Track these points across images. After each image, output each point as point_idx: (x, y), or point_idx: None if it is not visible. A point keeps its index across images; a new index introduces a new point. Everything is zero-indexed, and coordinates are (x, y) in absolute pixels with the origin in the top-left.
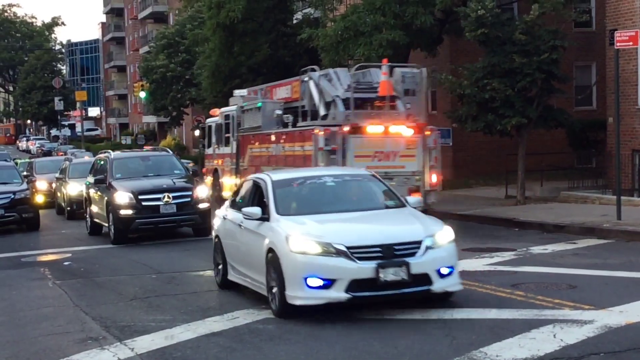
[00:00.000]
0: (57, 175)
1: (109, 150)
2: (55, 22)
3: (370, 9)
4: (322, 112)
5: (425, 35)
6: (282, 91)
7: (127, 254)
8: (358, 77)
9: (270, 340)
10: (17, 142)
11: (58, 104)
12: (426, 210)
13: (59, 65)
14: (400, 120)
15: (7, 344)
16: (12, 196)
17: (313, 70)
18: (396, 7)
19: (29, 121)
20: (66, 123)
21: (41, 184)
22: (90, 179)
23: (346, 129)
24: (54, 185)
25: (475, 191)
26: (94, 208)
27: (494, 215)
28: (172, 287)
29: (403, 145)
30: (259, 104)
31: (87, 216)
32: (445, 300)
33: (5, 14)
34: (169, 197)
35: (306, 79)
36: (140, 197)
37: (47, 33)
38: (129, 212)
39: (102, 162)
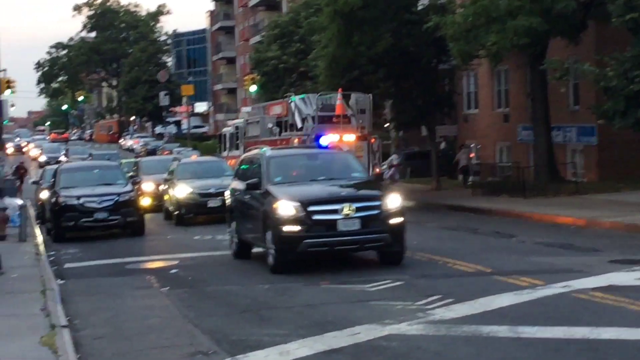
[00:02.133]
0: (165, 176)
1: (263, 147)
2: (160, 11)
3: None
4: (299, 125)
5: (566, 21)
6: (277, 109)
7: (238, 262)
8: (323, 101)
9: None
10: (121, 140)
11: (163, 99)
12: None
13: (164, 57)
14: (351, 130)
15: (112, 356)
16: (116, 198)
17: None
18: None
19: (132, 118)
20: (171, 120)
21: (147, 186)
22: (238, 184)
23: (312, 137)
24: (161, 187)
25: (625, 196)
26: (244, 222)
27: None
28: (286, 298)
29: (353, 148)
30: (293, 99)
31: (231, 234)
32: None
33: (108, 3)
34: (350, 208)
35: (290, 101)
36: (310, 208)
37: (151, 23)
38: (295, 228)
39: (251, 164)
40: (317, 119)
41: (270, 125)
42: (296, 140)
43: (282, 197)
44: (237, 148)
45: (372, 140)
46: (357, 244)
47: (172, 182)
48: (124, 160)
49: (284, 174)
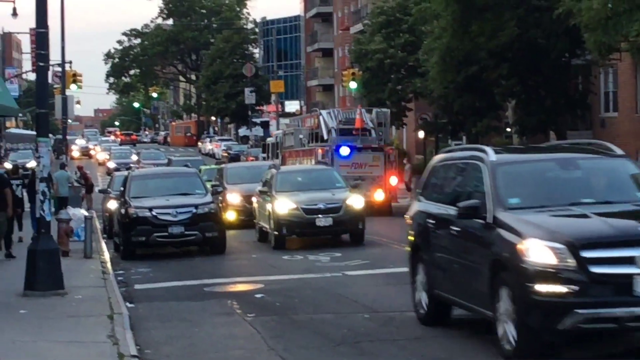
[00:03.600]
0: (257, 187)
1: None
2: None
3: None
4: (325, 136)
5: None
6: (309, 121)
7: (333, 286)
8: (346, 115)
9: None
10: (199, 143)
11: (249, 97)
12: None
13: (250, 47)
14: (369, 143)
15: None
16: (194, 210)
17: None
18: None
19: (213, 118)
20: (258, 120)
21: (233, 197)
22: (430, 207)
23: (333, 147)
24: (254, 200)
25: None
26: (445, 270)
27: None
28: (390, 330)
29: (371, 159)
30: (321, 112)
31: (418, 287)
32: None
33: None
34: None
35: (318, 114)
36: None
37: (237, 8)
38: (558, 288)
39: (457, 173)
40: (338, 131)
41: (301, 136)
42: (320, 151)
43: (530, 234)
44: (277, 157)
45: (390, 150)
46: None
47: (270, 195)
48: (203, 167)
49: (523, 193)
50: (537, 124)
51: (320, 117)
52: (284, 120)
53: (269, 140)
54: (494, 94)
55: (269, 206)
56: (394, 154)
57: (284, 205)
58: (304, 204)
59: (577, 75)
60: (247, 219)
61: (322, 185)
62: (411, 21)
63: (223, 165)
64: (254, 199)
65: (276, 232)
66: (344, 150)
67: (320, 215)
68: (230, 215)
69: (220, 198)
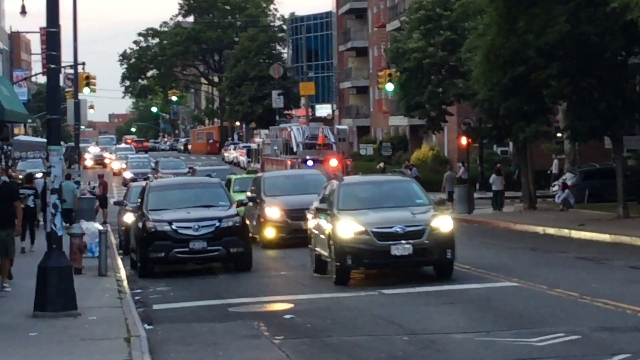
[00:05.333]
0: (316, 204)
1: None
2: None
3: None
4: (295, 149)
5: None
6: (284, 134)
7: (368, 305)
8: (313, 131)
9: None
10: (223, 150)
11: (277, 100)
12: None
13: (278, 47)
14: (330, 155)
15: None
16: (217, 224)
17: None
18: None
19: (237, 123)
20: (287, 126)
21: (272, 212)
22: None
23: (300, 160)
24: (309, 220)
25: None
26: None
27: None
28: (430, 353)
29: (332, 167)
30: (293, 126)
31: None
32: None
33: None
34: None
35: (290, 129)
36: None
37: (263, 4)
38: None
39: None
40: (304, 145)
41: (275, 147)
42: (289, 162)
43: None
44: (258, 162)
45: (349, 162)
46: None
47: (330, 214)
48: (234, 177)
49: None
50: (590, 129)
51: (292, 132)
52: (264, 131)
53: (253, 146)
54: (543, 96)
55: (328, 228)
56: (351, 165)
57: (348, 227)
58: (375, 226)
59: (634, 75)
60: (289, 236)
61: (398, 202)
62: (453, 17)
63: (260, 174)
64: (309, 217)
65: (338, 263)
66: (310, 164)
67: (396, 242)
68: (269, 233)
69: (257, 212)
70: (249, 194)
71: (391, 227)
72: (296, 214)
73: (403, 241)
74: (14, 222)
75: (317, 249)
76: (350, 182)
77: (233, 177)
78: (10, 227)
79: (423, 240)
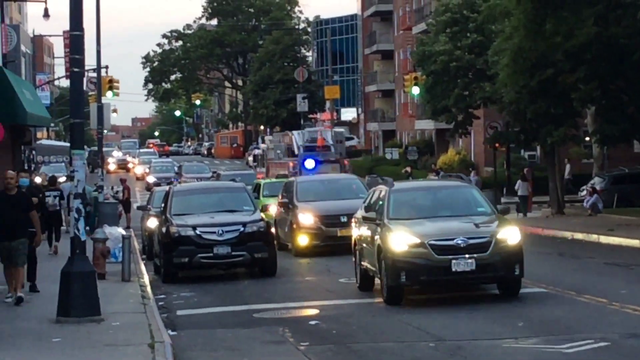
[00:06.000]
0: (362, 212)
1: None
2: None
3: None
4: (296, 152)
5: None
6: (286, 138)
7: (395, 312)
8: (312, 134)
9: None
10: (247, 154)
11: (301, 104)
12: None
13: (303, 50)
14: (329, 156)
15: None
16: (241, 229)
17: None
18: None
19: (261, 127)
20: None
21: (306, 218)
22: None
23: (299, 161)
24: (353, 229)
25: None
26: None
27: None
28: None
29: (330, 169)
30: (293, 132)
31: None
32: None
33: None
34: None
35: (291, 134)
36: None
37: (288, 7)
38: None
39: None
40: (304, 148)
41: (278, 151)
42: (291, 164)
43: None
44: (264, 166)
45: (345, 162)
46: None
47: (379, 224)
48: (262, 182)
49: None
50: (619, 133)
51: (293, 137)
52: (267, 137)
53: (257, 151)
54: (571, 99)
55: (377, 240)
56: (348, 165)
57: (401, 239)
58: (433, 238)
59: None
60: (322, 244)
61: (457, 210)
62: (480, 19)
63: (292, 179)
64: (353, 226)
65: (390, 280)
66: (309, 163)
67: (458, 256)
68: (303, 240)
69: (289, 218)
70: (279, 199)
71: (452, 240)
72: (331, 221)
73: (466, 255)
74: (26, 232)
75: (363, 262)
76: (401, 188)
77: (262, 181)
78: (21, 236)
79: (488, 254)
